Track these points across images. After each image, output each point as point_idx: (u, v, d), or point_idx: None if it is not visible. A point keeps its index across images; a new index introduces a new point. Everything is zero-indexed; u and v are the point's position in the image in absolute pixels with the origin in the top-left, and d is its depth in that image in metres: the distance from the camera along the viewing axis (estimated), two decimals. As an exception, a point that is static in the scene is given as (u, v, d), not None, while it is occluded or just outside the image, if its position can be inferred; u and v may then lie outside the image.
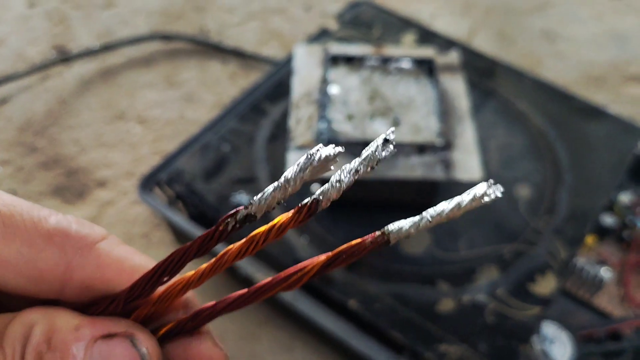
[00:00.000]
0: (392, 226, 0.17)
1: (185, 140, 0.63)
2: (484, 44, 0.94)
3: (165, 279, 0.20)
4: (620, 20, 0.99)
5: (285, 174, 0.18)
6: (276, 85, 0.69)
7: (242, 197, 0.58)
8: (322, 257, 0.19)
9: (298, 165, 0.17)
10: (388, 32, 0.75)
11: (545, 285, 0.54)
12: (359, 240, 0.18)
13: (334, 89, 0.59)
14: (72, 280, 0.21)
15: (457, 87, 0.60)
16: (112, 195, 0.71)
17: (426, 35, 0.75)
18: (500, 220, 0.58)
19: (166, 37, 0.88)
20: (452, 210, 0.17)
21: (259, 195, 0.18)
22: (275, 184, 0.18)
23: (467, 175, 0.53)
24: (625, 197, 0.67)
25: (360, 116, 0.56)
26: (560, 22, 0.98)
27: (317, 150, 0.17)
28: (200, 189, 0.60)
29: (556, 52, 0.93)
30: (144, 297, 0.21)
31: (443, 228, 0.57)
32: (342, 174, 0.17)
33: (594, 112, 0.68)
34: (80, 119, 0.78)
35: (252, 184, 0.60)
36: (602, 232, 0.64)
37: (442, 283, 0.54)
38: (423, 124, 0.56)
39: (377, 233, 0.18)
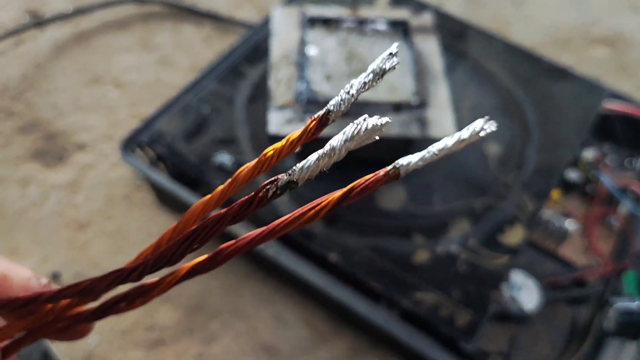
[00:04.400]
0: (402, 161, 0.19)
1: (165, 102, 0.64)
2: (455, 7, 0.96)
3: (195, 246, 0.21)
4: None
5: (330, 142, 0.18)
6: (253, 48, 0.70)
7: (223, 156, 0.60)
8: (338, 193, 0.20)
9: (344, 134, 0.18)
10: (362, -5, 0.77)
11: (514, 236, 0.57)
12: (372, 175, 0.19)
13: (312, 50, 0.60)
14: None
15: (430, 48, 0.62)
16: (92, 158, 0.71)
17: (399, -2, 0.77)
18: (472, 175, 0.61)
19: (139, 0, 0.87)
20: (455, 143, 0.18)
21: (302, 163, 0.19)
22: (320, 152, 0.18)
23: (442, 133, 0.55)
24: (589, 154, 0.70)
25: (338, 76, 0.58)
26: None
27: (364, 119, 0.18)
28: (181, 149, 0.61)
29: (523, 15, 0.96)
30: (169, 265, 0.21)
31: (418, 184, 0.60)
32: (352, 87, 0.18)
33: (560, 73, 0.71)
34: (56, 83, 0.78)
35: (232, 144, 0.61)
36: (567, 187, 0.67)
37: (417, 236, 0.56)
38: (399, 84, 0.58)
39: (389, 167, 0.19)
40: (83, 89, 0.78)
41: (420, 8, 0.75)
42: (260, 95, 0.65)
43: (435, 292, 0.53)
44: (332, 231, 0.56)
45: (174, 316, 0.58)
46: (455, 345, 0.51)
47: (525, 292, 0.58)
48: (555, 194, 0.68)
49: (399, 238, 0.56)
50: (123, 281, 0.22)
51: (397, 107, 0.56)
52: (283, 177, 0.19)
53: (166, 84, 0.79)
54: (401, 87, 0.57)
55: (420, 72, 0.59)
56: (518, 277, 0.58)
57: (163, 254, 0.21)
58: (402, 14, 0.64)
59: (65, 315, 0.25)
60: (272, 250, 0.56)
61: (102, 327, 0.58)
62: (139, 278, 0.22)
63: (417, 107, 0.56)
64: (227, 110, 0.64)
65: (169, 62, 0.82)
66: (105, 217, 0.66)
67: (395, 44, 0.19)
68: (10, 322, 0.26)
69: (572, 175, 0.67)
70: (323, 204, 0.19)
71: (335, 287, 0.54)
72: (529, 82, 0.69)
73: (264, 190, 0.19)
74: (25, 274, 0.27)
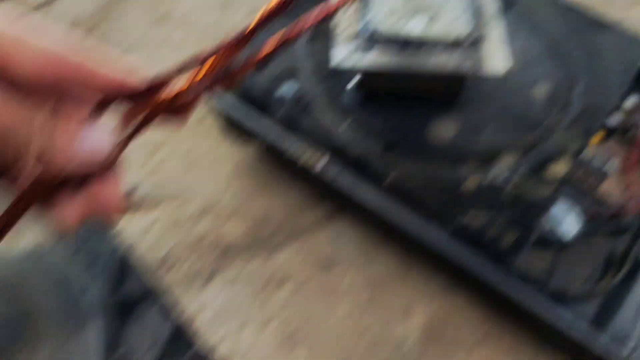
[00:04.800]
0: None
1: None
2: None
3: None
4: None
5: None
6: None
7: (288, 86, 0.64)
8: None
9: None
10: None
11: (559, 170, 0.61)
12: None
13: (374, -11, 0.64)
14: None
15: (487, -9, 0.65)
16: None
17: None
18: (520, 115, 0.65)
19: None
20: None
21: None
22: None
23: (494, 69, 0.59)
24: (630, 102, 0.73)
25: (398, 14, 0.62)
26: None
27: None
28: (247, 81, 0.65)
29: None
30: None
31: (469, 120, 0.64)
32: None
33: (606, 26, 0.74)
34: (125, 21, 0.83)
35: (296, 76, 0.66)
36: (608, 132, 0.71)
37: (467, 165, 0.61)
38: (455, 23, 0.62)
39: None
40: (150, 27, 0.83)
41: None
42: (319, 35, 0.69)
43: (483, 214, 0.57)
44: (389, 156, 0.60)
45: (241, 228, 0.64)
46: (501, 261, 0.56)
47: (567, 221, 0.62)
48: (596, 138, 0.71)
49: (451, 165, 0.61)
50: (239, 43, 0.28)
51: (453, 45, 0.60)
52: None
53: (228, 24, 0.84)
54: (457, 26, 0.61)
55: (475, 13, 0.62)
56: (561, 208, 0.62)
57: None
58: (460, -42, 0.68)
59: (177, 96, 0.29)
60: (332, 173, 0.60)
61: (176, 236, 0.63)
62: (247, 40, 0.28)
63: (471, 44, 0.60)
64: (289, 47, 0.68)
65: (229, 4, 0.87)
66: (177, 140, 0.72)
67: None
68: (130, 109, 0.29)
69: (613, 120, 0.70)
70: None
71: (389, 208, 0.59)
72: (576, 33, 0.72)
73: None
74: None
